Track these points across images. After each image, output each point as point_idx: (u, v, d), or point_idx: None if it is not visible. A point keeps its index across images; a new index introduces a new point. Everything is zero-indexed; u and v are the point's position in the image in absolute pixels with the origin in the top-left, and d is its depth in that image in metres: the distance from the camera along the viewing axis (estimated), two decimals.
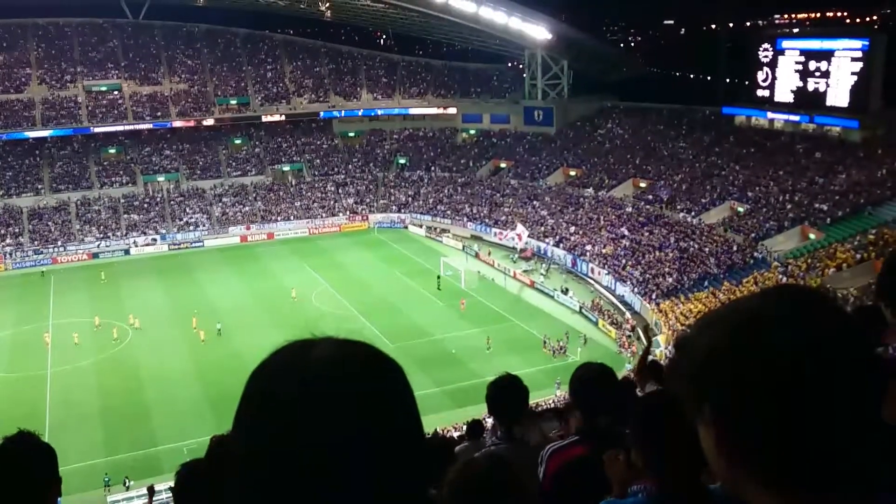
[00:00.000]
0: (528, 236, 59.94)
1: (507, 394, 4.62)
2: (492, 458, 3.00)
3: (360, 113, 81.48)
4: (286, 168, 76.99)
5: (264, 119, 77.61)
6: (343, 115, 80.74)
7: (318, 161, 78.36)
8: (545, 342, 43.75)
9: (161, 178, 73.08)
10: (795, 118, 57.01)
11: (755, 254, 46.90)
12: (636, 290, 48.90)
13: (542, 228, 61.29)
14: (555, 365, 40.71)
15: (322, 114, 80.00)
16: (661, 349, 36.75)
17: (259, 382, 1.09)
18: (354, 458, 1.02)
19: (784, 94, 57.49)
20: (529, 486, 3.74)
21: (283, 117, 78.02)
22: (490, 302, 51.44)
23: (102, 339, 46.00)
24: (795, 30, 76.82)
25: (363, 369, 1.09)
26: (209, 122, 76.25)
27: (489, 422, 8.85)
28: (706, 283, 45.90)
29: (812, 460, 1.09)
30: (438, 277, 55.28)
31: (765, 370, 1.10)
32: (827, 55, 54.18)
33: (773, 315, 1.15)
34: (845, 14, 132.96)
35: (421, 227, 69.91)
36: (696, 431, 1.21)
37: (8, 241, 63.88)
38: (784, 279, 41.53)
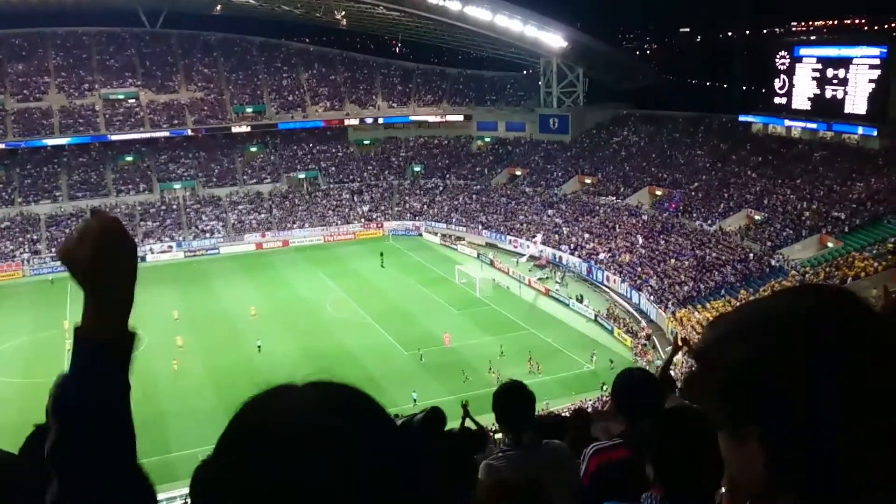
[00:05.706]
0: (542, 242, 59.79)
1: (512, 401, 4.55)
2: (528, 480, 2.95)
3: (379, 120, 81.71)
4: (301, 175, 77.15)
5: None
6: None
7: (333, 169, 78.55)
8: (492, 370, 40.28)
9: (177, 186, 73.43)
10: (813, 126, 56.58)
11: (772, 262, 46.55)
12: (652, 298, 48.61)
13: (557, 236, 61.08)
14: (573, 373, 40.49)
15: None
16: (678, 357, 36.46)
17: (236, 432, 1.06)
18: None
19: (801, 101, 57.11)
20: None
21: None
22: (505, 310, 51.30)
23: None
24: (813, 37, 76.46)
25: (339, 412, 1.01)
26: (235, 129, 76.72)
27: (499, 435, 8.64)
28: (722, 292, 45.56)
29: (864, 465, 1.00)
30: (381, 254, 60.37)
31: (823, 379, 0.99)
32: (845, 62, 53.77)
33: (816, 317, 1.04)
34: (863, 21, 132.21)
35: (436, 234, 69.84)
36: (713, 450, 1.11)
37: (26, 248, 64.40)
38: None
